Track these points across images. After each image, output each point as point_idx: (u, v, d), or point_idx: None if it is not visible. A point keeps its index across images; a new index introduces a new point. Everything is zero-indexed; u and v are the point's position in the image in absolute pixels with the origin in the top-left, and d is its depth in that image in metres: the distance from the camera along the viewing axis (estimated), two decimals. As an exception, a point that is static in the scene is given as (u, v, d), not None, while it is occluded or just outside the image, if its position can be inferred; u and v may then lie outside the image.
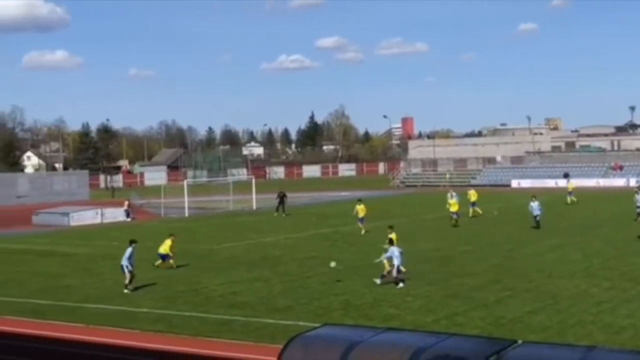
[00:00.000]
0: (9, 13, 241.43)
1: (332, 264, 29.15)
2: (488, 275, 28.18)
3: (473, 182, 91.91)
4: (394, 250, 26.66)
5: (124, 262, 27.45)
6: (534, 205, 43.10)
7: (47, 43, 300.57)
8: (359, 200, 46.24)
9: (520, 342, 10.76)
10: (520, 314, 21.74)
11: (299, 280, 28.49)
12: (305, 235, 44.13)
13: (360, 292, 25.62)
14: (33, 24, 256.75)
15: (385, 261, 27.29)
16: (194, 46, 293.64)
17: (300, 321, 21.08)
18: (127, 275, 27.33)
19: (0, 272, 33.37)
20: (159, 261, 32.31)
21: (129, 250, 27.68)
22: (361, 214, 44.38)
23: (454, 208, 46.65)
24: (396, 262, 26.37)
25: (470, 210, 51.05)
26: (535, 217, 42.89)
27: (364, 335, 11.07)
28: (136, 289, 27.33)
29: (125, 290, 27.01)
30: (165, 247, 32.47)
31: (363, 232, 42.66)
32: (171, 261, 32.24)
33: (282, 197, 58.86)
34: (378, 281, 26.73)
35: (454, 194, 49.05)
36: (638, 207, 45.43)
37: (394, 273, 26.39)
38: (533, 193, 47.96)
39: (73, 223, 55.73)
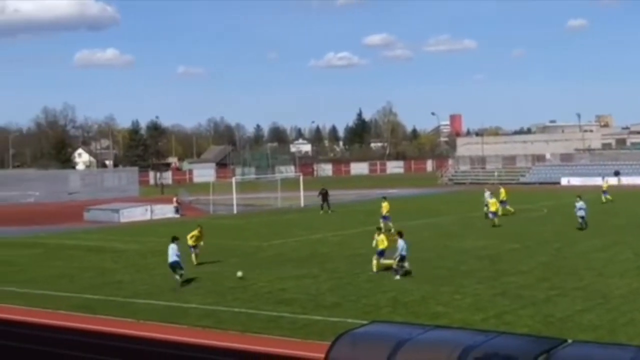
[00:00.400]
0: (61, 12, 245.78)
1: (239, 274, 28.88)
2: (537, 274, 27.92)
3: (522, 179, 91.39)
4: (403, 244, 27.82)
5: (176, 258, 27.50)
6: (579, 205, 41.92)
7: (98, 41, 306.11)
8: (384, 198, 46.45)
9: (570, 341, 10.66)
10: (570, 312, 21.50)
11: (347, 277, 28.50)
12: (353, 232, 44.07)
13: (408, 289, 25.57)
14: (84, 22, 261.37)
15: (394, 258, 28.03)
16: (242, 44, 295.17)
17: (349, 318, 21.09)
18: (179, 271, 27.49)
19: (53, 267, 33.96)
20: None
21: (174, 247, 27.73)
22: (384, 212, 44.21)
23: (493, 208, 45.86)
24: (399, 251, 27.68)
25: (501, 208, 50.08)
26: (580, 218, 41.71)
27: (412, 333, 11.05)
28: (184, 284, 27.53)
29: (176, 283, 27.15)
30: (190, 239, 32.44)
31: (392, 230, 41.50)
32: (193, 255, 32.27)
33: (324, 195, 58.92)
34: (397, 277, 27.41)
35: (490, 193, 48.57)
36: None
37: (394, 262, 27.82)
38: (578, 193, 47.01)
39: (123, 219, 56.41)
